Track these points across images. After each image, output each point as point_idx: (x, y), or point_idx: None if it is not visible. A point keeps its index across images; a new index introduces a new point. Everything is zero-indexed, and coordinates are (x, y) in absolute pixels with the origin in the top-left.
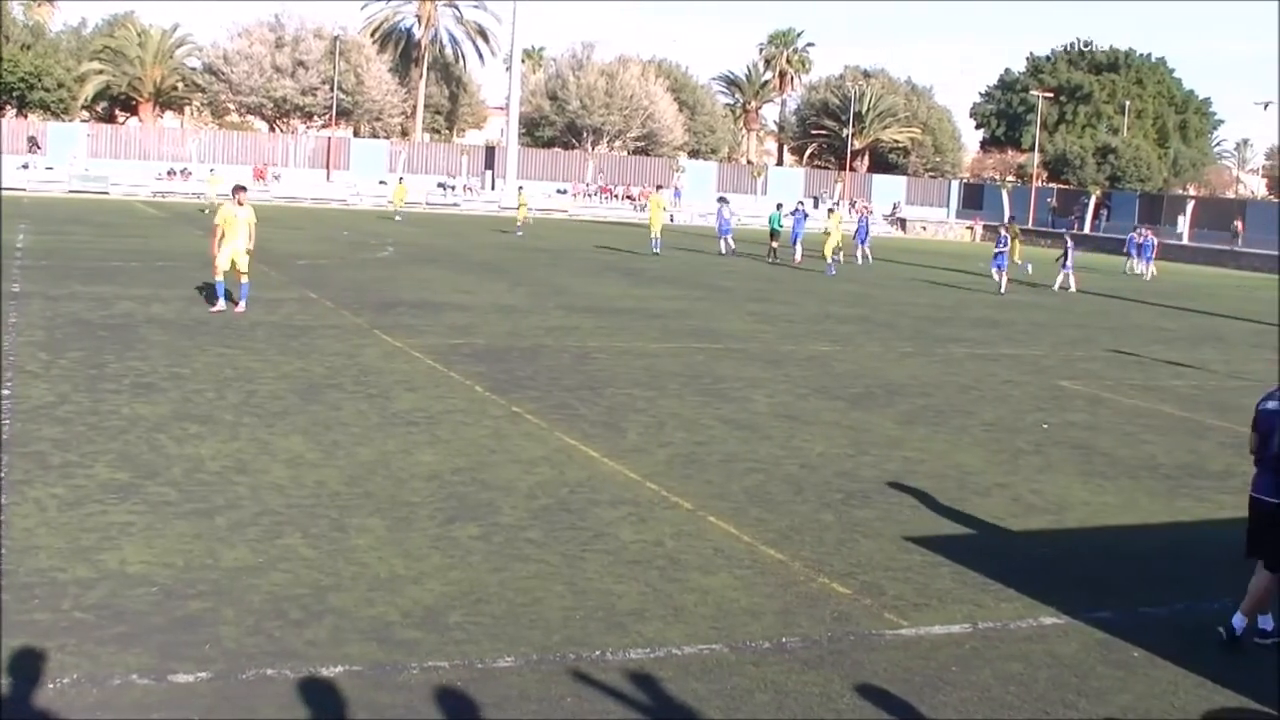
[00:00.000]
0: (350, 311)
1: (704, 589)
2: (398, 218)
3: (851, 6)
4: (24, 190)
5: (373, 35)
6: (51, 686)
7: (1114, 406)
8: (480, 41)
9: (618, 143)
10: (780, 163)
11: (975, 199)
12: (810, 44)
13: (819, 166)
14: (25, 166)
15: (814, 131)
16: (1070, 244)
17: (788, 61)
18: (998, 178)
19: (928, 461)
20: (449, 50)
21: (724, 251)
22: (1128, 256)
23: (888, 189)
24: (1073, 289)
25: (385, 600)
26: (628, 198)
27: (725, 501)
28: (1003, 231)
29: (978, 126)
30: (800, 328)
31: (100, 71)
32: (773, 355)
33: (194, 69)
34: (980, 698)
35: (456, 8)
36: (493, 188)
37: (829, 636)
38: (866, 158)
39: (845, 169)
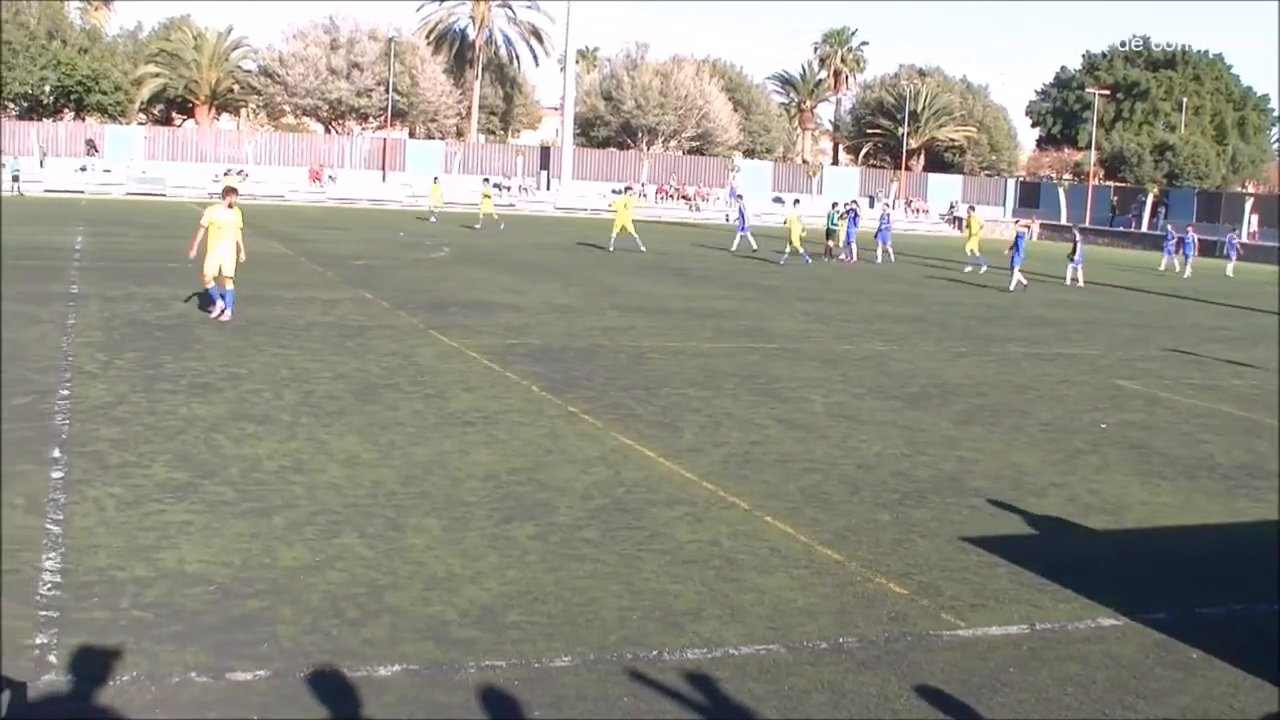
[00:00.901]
0: (405, 311)
1: (761, 589)
2: (433, 218)
3: (906, 6)
4: (82, 193)
5: (427, 36)
6: (111, 684)
7: (1172, 406)
8: (534, 42)
9: (673, 143)
10: (835, 162)
11: (1032, 198)
12: (865, 42)
13: (874, 166)
14: (83, 169)
15: (869, 131)
16: (1079, 239)
17: (842, 60)
18: (1054, 176)
19: (984, 461)
20: (503, 51)
21: (735, 249)
22: (1167, 254)
23: (943, 188)
24: (1080, 283)
25: (442, 599)
26: (683, 198)
27: (781, 501)
28: (1019, 229)
29: (1034, 124)
30: (854, 327)
31: (157, 74)
32: (827, 355)
33: (249, 71)
34: (1037, 699)
35: (510, 8)
36: (548, 188)
37: (886, 637)
38: (922, 157)
39: (901, 168)
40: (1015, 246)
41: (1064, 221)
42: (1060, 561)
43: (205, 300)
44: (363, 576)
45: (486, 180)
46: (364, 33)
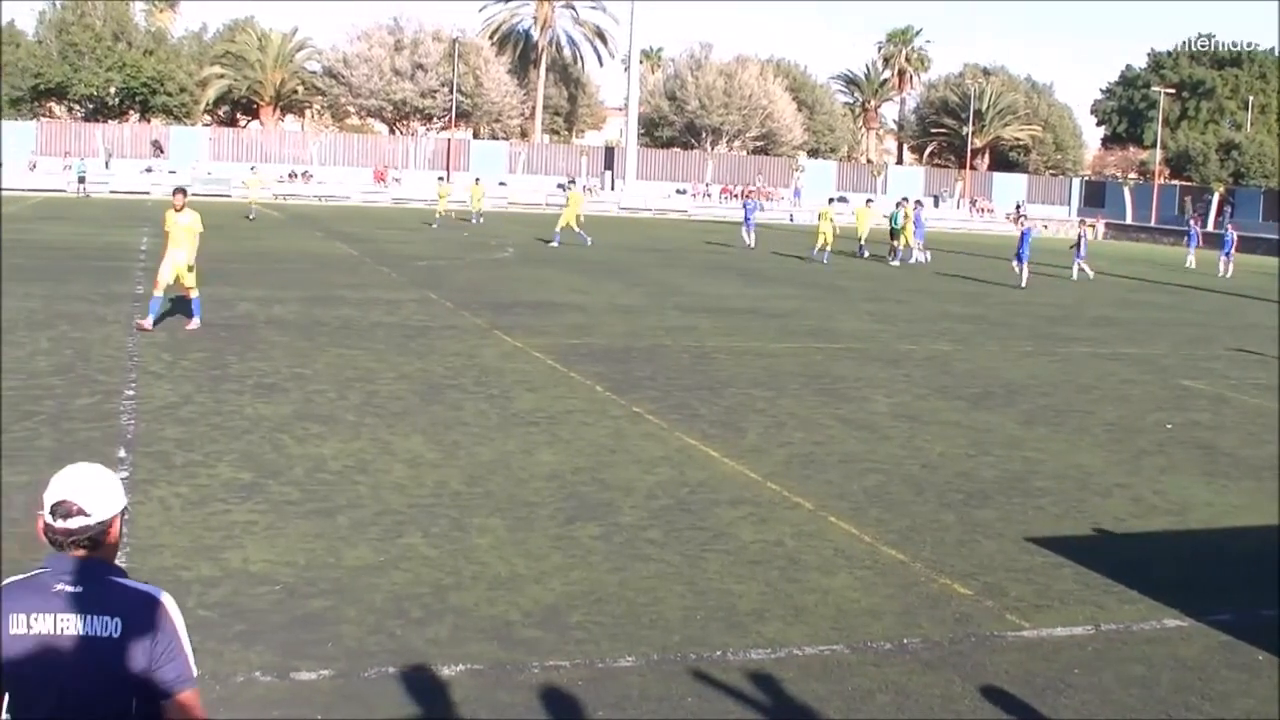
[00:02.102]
0: (469, 312)
1: (825, 589)
2: (478, 219)
3: (971, 5)
4: (148, 194)
5: (491, 37)
6: None
7: (1238, 406)
8: (598, 43)
9: (737, 142)
10: (900, 161)
11: (1097, 197)
12: (929, 41)
13: (939, 165)
14: (149, 170)
15: (933, 130)
16: (1083, 234)
17: (906, 59)
18: (1119, 175)
19: (1048, 462)
20: (567, 51)
21: (752, 245)
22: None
23: (1009, 187)
24: (1090, 276)
25: (506, 599)
26: (747, 197)
27: (845, 501)
28: (1023, 225)
29: (1099, 123)
30: (918, 327)
31: (221, 76)
32: (891, 355)
33: (314, 72)
34: (1102, 700)
35: (574, 9)
36: (612, 189)
37: (950, 638)
38: (987, 156)
39: (965, 168)
40: (1078, 244)
41: (1129, 221)
42: (1125, 562)
43: (149, 309)
44: (427, 576)
45: (477, 180)
46: (428, 33)
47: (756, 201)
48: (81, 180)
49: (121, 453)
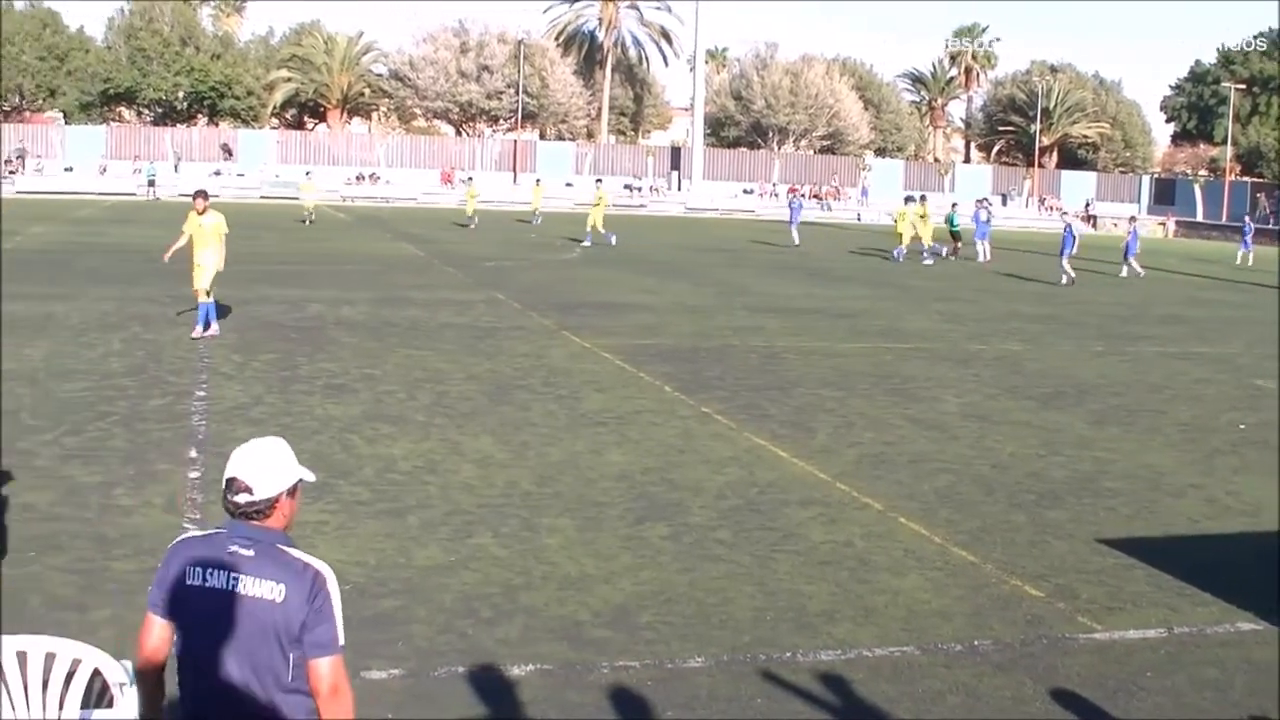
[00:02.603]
0: (537, 312)
1: (895, 590)
2: (537, 219)
3: (1037, 4)
4: (217, 196)
5: (556, 39)
6: None
7: None
8: (664, 43)
9: (803, 142)
10: (967, 160)
11: (1167, 194)
12: (996, 39)
13: (1006, 164)
14: (217, 173)
15: (1001, 128)
16: (1134, 232)
17: (973, 57)
18: (1189, 172)
19: (1120, 462)
20: (632, 52)
21: (798, 242)
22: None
23: (1077, 185)
24: (1140, 273)
25: (576, 599)
26: (814, 197)
27: (915, 502)
28: (1068, 221)
29: (1168, 120)
30: (987, 326)
31: (288, 79)
32: (961, 354)
33: (380, 75)
34: (1174, 703)
35: (639, 9)
36: (679, 189)
37: (1021, 639)
38: (1055, 154)
39: (1033, 166)
40: (1129, 243)
41: (1200, 218)
42: (1198, 564)
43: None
44: (496, 576)
45: (470, 179)
46: (493, 35)
47: (801, 200)
48: (151, 183)
49: (193, 453)
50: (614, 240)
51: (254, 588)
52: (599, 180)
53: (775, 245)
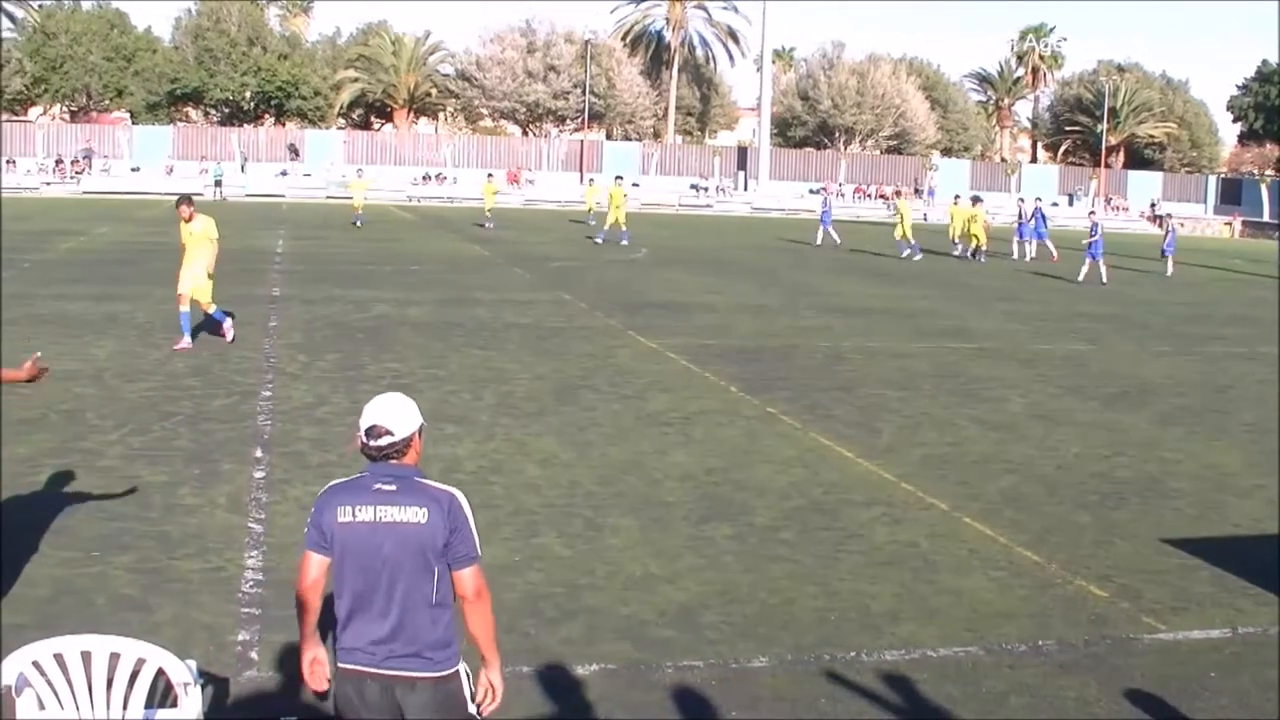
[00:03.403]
0: (602, 312)
1: (958, 590)
2: (592, 220)
3: (1104, 4)
4: (283, 196)
5: (623, 39)
6: None
7: None
8: (730, 43)
9: (870, 142)
10: (1034, 160)
11: (1233, 194)
12: (1063, 39)
13: (1073, 164)
14: (284, 173)
15: (1068, 128)
16: (1172, 230)
17: (1040, 57)
18: (1256, 172)
19: (1185, 462)
20: (699, 52)
21: (819, 243)
22: None
23: (1144, 185)
24: (1103, 279)
25: (639, 599)
26: (881, 197)
27: (980, 502)
28: (1095, 221)
29: (1235, 120)
30: (1052, 326)
31: (355, 79)
32: (1026, 355)
33: (447, 75)
34: (1239, 704)
35: (705, 9)
36: (745, 189)
37: (1085, 640)
38: (1122, 154)
39: (1100, 166)
40: (1167, 237)
41: (1266, 218)
42: (1264, 565)
43: (194, 329)
44: (561, 576)
45: (490, 175)
46: (560, 35)
47: (829, 199)
48: (218, 184)
49: (258, 453)
50: (626, 240)
51: (400, 514)
52: (619, 177)
53: (801, 243)
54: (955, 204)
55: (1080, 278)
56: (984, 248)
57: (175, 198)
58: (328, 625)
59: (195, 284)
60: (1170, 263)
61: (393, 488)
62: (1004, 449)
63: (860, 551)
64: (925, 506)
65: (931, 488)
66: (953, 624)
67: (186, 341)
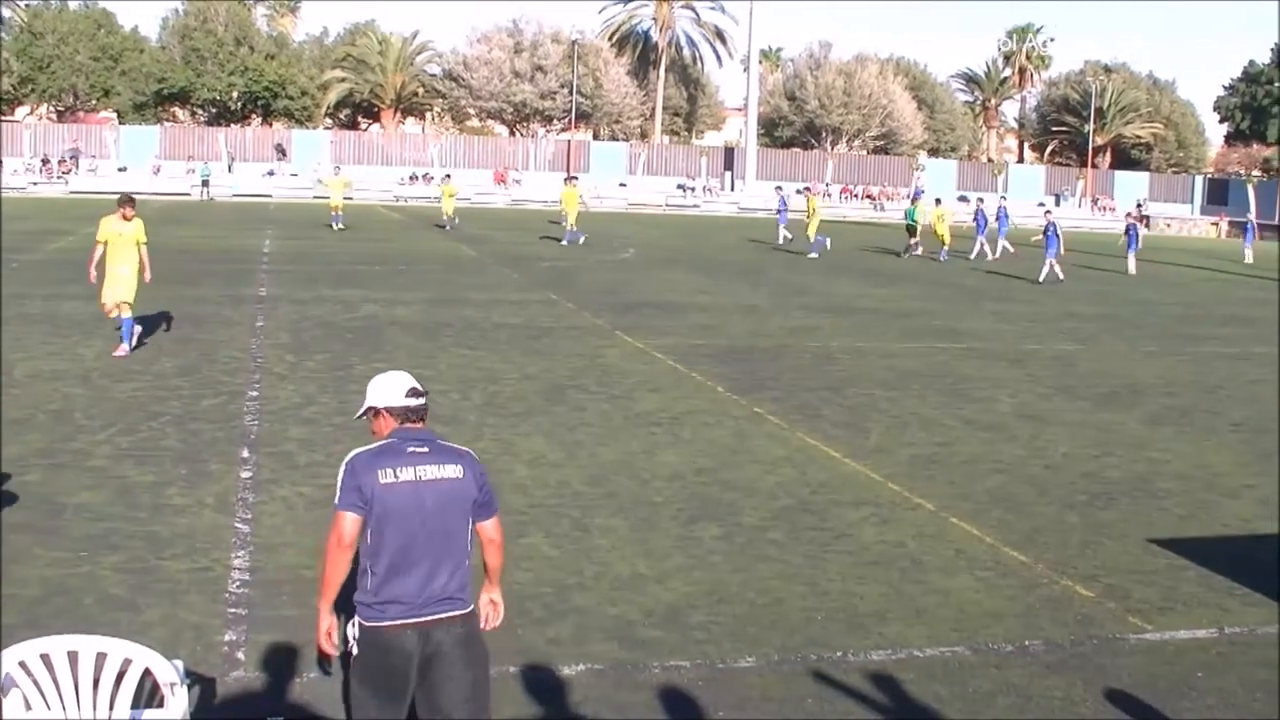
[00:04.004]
0: (591, 313)
1: (946, 590)
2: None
3: (1090, 4)
4: (270, 196)
5: (610, 39)
6: (299, 680)
7: None
8: (718, 43)
9: (856, 142)
10: (1021, 160)
11: (1220, 194)
12: (1050, 39)
13: (1060, 164)
14: (271, 173)
15: (1054, 128)
16: (1134, 228)
17: (1027, 57)
18: (1243, 172)
19: (1174, 462)
20: (686, 52)
21: (781, 241)
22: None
23: (1130, 186)
24: (1059, 277)
25: (627, 600)
26: (868, 197)
27: (968, 502)
28: (1051, 220)
29: (1222, 120)
30: (1043, 327)
31: (342, 79)
32: (1015, 355)
33: (434, 75)
34: (1226, 704)
35: (693, 9)
36: (732, 189)
37: (1072, 640)
38: (1109, 154)
39: (1087, 166)
40: (1129, 234)
41: (1253, 218)
42: (1251, 565)
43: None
44: (549, 576)
45: (448, 177)
46: (547, 35)
47: (784, 198)
48: (205, 184)
49: (245, 453)
50: (581, 240)
51: (440, 472)
52: (571, 177)
53: (763, 243)
54: (917, 204)
55: (1041, 278)
56: (947, 245)
57: (163, 197)
58: (348, 589)
59: (128, 289)
60: (1132, 261)
61: (425, 449)
62: (992, 449)
63: (848, 552)
64: (913, 507)
65: (919, 488)
66: (940, 624)
67: (126, 349)
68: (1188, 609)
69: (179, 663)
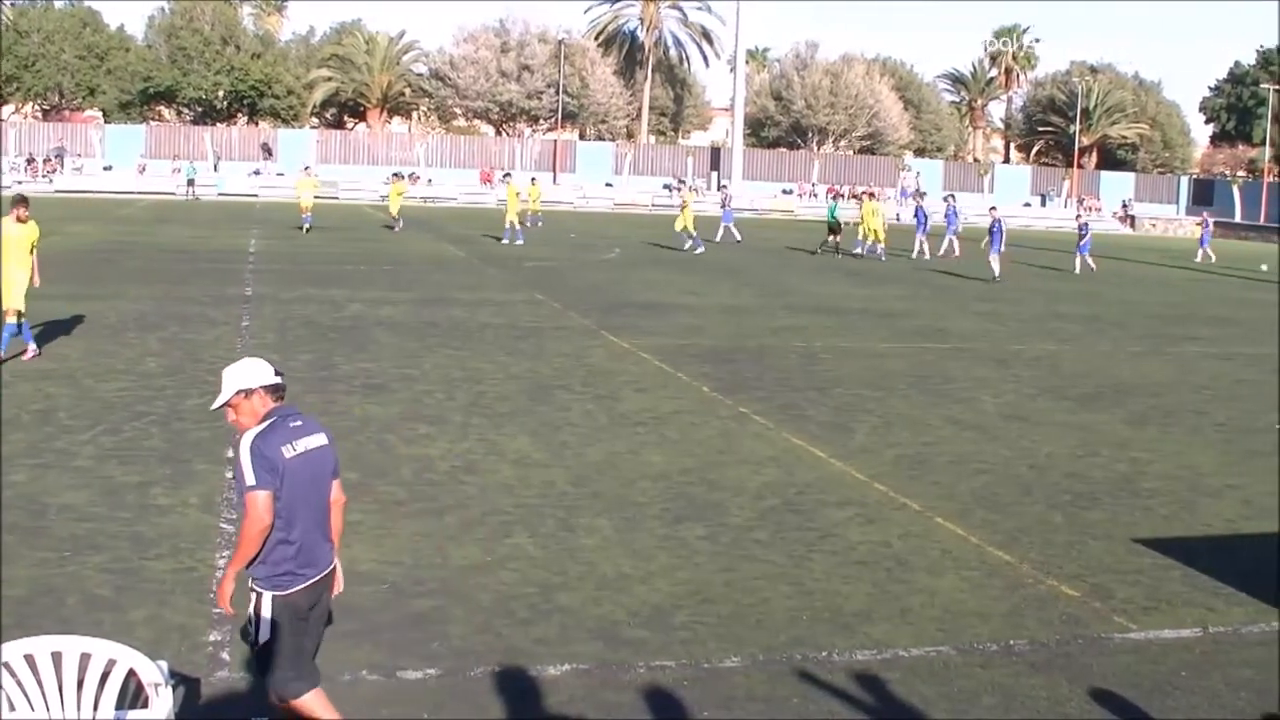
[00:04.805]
0: (577, 313)
1: (931, 590)
2: (535, 223)
3: (1077, 5)
4: (256, 196)
5: (597, 38)
6: None
7: None
8: (704, 43)
9: (843, 142)
10: (1007, 160)
11: (1205, 195)
12: (1036, 39)
13: (1046, 164)
14: (256, 173)
15: (1040, 129)
16: (1086, 226)
17: (1013, 58)
18: (1228, 173)
19: (1158, 462)
20: (673, 52)
21: (719, 239)
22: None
23: (1116, 186)
24: (1077, 271)
25: (612, 599)
26: (854, 197)
27: (953, 502)
28: (994, 216)
29: (1207, 121)
30: (1028, 326)
31: (329, 79)
32: (1001, 355)
33: (420, 75)
34: (1210, 703)
35: (680, 10)
36: (719, 189)
37: (1057, 639)
38: (1094, 154)
39: (1073, 166)
40: (1081, 234)
41: (1238, 219)
42: (1235, 564)
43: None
44: (534, 576)
45: (399, 175)
46: (534, 35)
47: (729, 196)
48: (191, 183)
49: (230, 453)
50: (520, 241)
51: (315, 440)
52: (507, 175)
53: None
54: (865, 201)
55: (996, 275)
56: (882, 243)
57: (148, 196)
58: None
59: (19, 293)
60: (1079, 261)
61: (300, 423)
62: (978, 449)
63: (833, 552)
64: (898, 507)
65: (905, 488)
66: (925, 624)
67: (33, 349)
68: (1172, 608)
69: (163, 663)
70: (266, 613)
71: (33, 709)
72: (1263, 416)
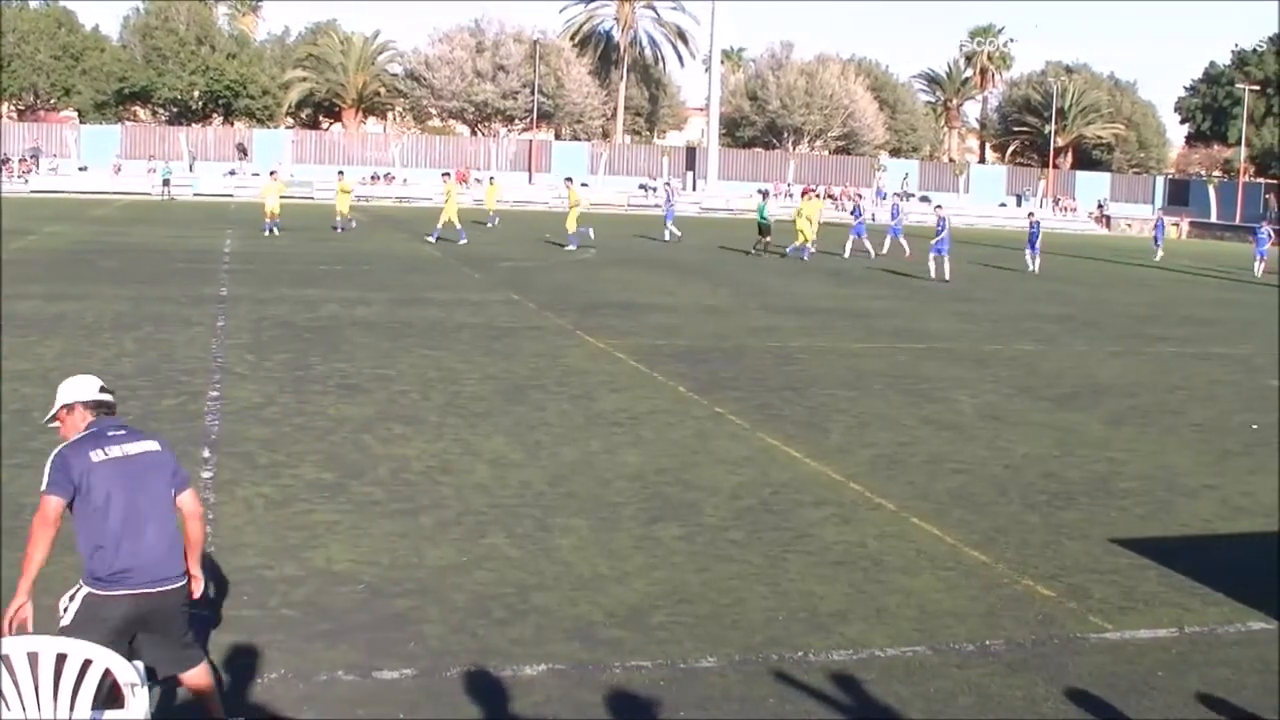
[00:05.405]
0: (553, 313)
1: (907, 590)
2: (492, 222)
3: (1051, 5)
4: (231, 196)
5: (572, 38)
6: (260, 681)
7: None
8: (679, 43)
9: (818, 142)
10: (982, 160)
11: (1181, 195)
12: (1011, 40)
13: (1021, 164)
14: (232, 173)
15: (1016, 129)
16: (1036, 226)
17: (989, 58)
18: (1203, 173)
19: (1134, 462)
20: (648, 52)
21: (668, 239)
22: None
23: (1092, 186)
24: (1032, 270)
25: (588, 600)
26: (829, 197)
27: (929, 502)
28: (939, 214)
29: (1183, 121)
30: (1005, 327)
31: (304, 79)
32: (977, 355)
33: (396, 75)
34: (1186, 703)
35: (655, 9)
36: (694, 189)
37: (1033, 639)
38: (1070, 155)
39: (1048, 166)
40: (1030, 237)
41: (1214, 219)
42: (1211, 564)
43: None
44: (510, 576)
45: (341, 173)
46: (509, 35)
47: (672, 194)
48: (166, 183)
49: (206, 453)
50: (464, 240)
51: (141, 447)
52: (446, 174)
53: (657, 240)
54: (807, 200)
55: (932, 274)
56: (810, 242)
57: (124, 196)
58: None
59: None
60: (1031, 259)
61: (123, 432)
62: (954, 449)
63: (809, 552)
64: (874, 507)
65: (881, 488)
66: (901, 624)
67: None
68: (1148, 608)
69: (139, 663)
70: (76, 603)
71: (8, 709)
72: (1237, 416)
